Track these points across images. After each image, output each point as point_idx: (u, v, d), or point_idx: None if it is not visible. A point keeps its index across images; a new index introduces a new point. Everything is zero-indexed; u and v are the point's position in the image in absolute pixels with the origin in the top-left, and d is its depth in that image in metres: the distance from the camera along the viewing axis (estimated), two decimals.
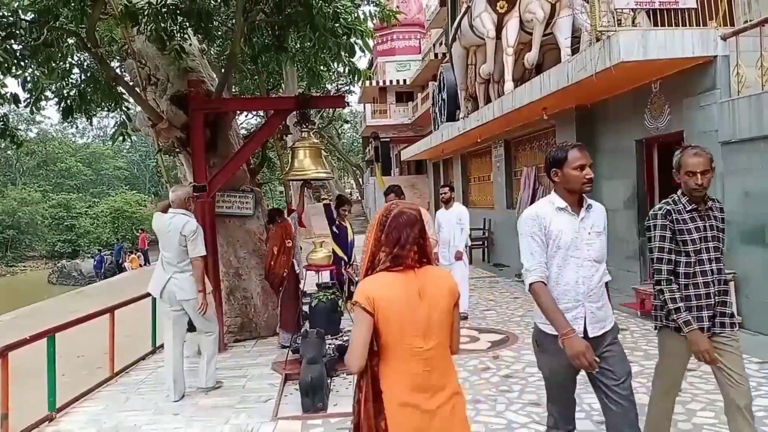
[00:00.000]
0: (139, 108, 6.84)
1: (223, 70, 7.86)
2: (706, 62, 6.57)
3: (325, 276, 6.19)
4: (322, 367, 4.77)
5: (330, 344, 5.46)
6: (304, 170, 6.43)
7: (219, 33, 7.60)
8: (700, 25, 6.87)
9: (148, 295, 7.09)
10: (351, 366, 2.06)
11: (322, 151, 6.96)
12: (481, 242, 14.04)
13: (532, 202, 11.28)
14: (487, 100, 12.46)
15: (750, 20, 6.77)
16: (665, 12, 7.28)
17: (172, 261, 4.91)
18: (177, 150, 6.75)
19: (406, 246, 2.09)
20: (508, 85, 10.69)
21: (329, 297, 5.96)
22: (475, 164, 16.12)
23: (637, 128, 8.01)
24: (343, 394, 4.97)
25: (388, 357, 2.07)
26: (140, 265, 27.61)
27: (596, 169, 9.02)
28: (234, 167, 6.45)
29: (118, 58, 7.23)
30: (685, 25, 6.99)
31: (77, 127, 56.90)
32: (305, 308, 6.88)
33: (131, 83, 6.70)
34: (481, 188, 15.58)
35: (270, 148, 8.71)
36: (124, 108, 6.54)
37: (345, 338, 5.78)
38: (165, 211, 5.02)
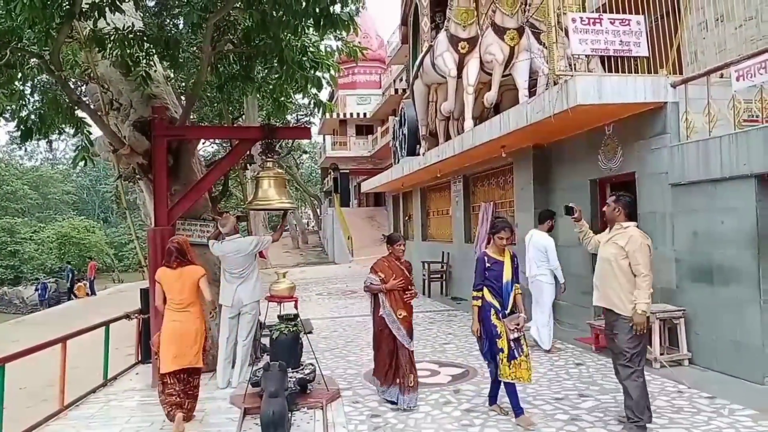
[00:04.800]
0: (100, 133, 6.72)
1: (185, 98, 7.82)
2: (657, 108, 6.91)
3: (288, 307, 6.12)
4: (284, 401, 4.70)
5: (291, 377, 5.38)
6: (269, 200, 6.43)
7: (186, 60, 7.56)
8: (650, 73, 7.25)
9: (102, 325, 6.91)
10: (158, 307, 5.08)
11: (286, 181, 6.96)
12: (439, 275, 14.16)
13: (489, 238, 11.46)
14: (447, 137, 12.73)
15: (697, 70, 7.19)
16: (617, 59, 7.66)
17: (236, 273, 6.21)
18: (138, 176, 6.63)
19: (171, 257, 5.00)
20: (468, 122, 10.95)
21: (291, 329, 5.89)
22: (434, 198, 16.34)
23: (591, 168, 8.31)
24: (304, 429, 4.88)
25: (167, 303, 4.97)
26: (87, 294, 26.58)
27: (552, 207, 9.35)
28: (196, 195, 6.38)
29: (79, 81, 7.10)
30: (636, 72, 7.36)
31: (26, 149, 55.13)
32: (265, 341, 6.78)
33: (93, 107, 6.59)
34: (440, 222, 15.77)
35: (231, 178, 8.63)
36: (86, 132, 6.41)
37: (307, 371, 5.70)
38: (216, 238, 6.35)
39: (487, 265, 4.93)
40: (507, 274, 4.90)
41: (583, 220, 5.12)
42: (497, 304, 4.85)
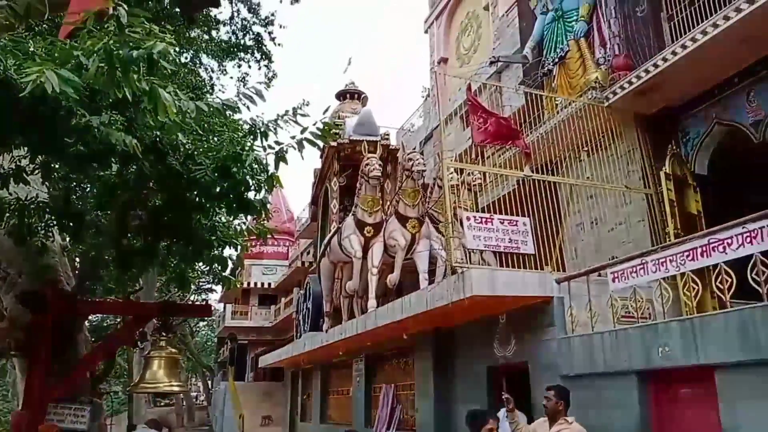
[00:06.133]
0: None
1: (80, 272, 7.53)
2: (545, 301, 7.41)
3: None
4: None
5: None
6: (157, 382, 6.03)
7: (86, 227, 7.39)
8: (538, 269, 7.89)
9: None
10: None
11: (180, 360, 6.61)
12: None
13: (389, 422, 11.15)
14: (351, 314, 12.82)
15: (577, 266, 7.92)
16: (509, 254, 8.30)
17: None
18: (12, 353, 6.08)
19: None
20: (371, 302, 11.18)
21: None
22: (335, 377, 15.92)
23: (488, 355, 8.53)
24: None
25: None
26: None
27: (452, 392, 9.36)
28: (79, 375, 5.89)
29: None
30: (526, 267, 7.99)
31: None
32: None
33: None
34: (340, 403, 15.21)
35: (120, 354, 8.09)
36: None
37: None
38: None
39: None
40: None
41: (516, 411, 5.20)
42: None
